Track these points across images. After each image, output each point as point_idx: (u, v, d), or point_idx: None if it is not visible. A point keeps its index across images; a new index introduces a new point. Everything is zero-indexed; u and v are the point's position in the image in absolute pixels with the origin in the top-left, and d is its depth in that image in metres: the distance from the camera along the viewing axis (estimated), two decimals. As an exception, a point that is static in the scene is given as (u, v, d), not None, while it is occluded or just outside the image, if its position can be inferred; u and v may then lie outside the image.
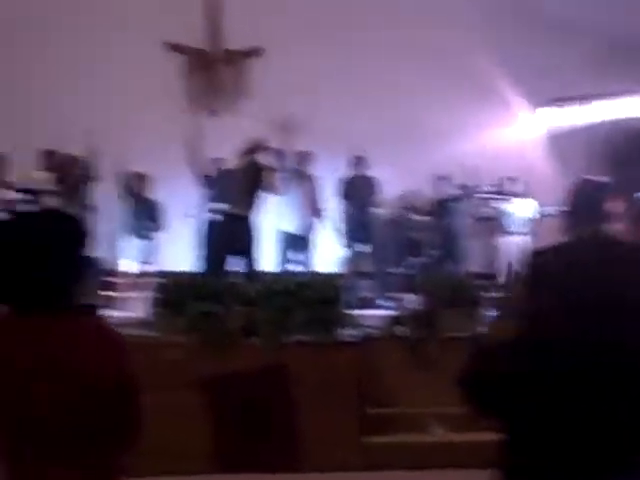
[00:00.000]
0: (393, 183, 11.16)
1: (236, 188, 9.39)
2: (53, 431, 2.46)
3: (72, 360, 2.47)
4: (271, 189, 9.36)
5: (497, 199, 11.33)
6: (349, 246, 10.69)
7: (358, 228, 10.58)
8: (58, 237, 2.54)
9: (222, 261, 9.89)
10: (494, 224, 11.30)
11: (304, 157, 10.48)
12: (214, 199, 9.97)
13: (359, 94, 11.98)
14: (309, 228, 10.44)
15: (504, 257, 10.82)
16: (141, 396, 2.60)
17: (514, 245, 10.71)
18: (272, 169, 9.36)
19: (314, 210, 10.50)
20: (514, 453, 2.28)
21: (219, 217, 9.68)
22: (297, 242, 10.36)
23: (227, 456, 6.36)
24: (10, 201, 10.33)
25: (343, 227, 10.78)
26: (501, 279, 10.30)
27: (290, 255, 10.38)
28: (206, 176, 10.20)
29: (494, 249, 11.06)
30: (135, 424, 2.63)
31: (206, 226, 10.03)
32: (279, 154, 10.06)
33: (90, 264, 2.73)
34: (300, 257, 10.33)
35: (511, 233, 11.00)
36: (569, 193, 4.65)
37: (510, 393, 2.25)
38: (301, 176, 10.41)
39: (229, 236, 9.39)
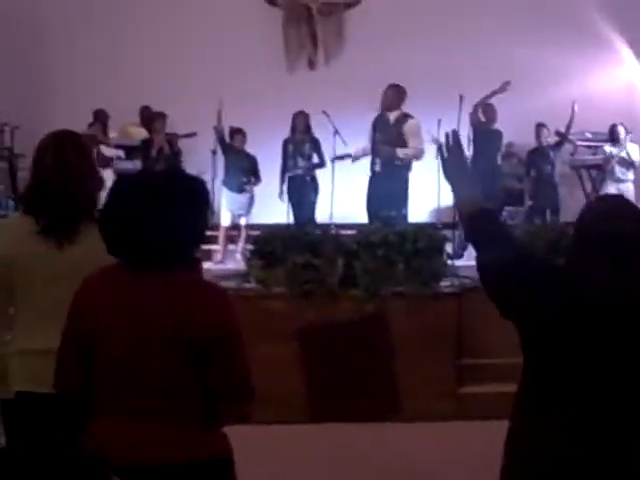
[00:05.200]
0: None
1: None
2: (145, 378, 2.46)
3: (178, 315, 2.45)
4: None
5: (599, 146, 11.07)
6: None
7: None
8: (183, 197, 2.49)
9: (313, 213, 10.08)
10: (596, 171, 11.04)
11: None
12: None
13: (456, 42, 11.79)
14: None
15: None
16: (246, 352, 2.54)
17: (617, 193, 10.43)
18: None
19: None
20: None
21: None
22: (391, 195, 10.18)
23: (323, 406, 6.40)
24: (108, 157, 10.57)
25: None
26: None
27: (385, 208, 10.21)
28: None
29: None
30: (241, 381, 2.52)
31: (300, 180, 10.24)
32: None
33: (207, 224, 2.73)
34: (396, 210, 10.18)
35: (615, 180, 10.71)
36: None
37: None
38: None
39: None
